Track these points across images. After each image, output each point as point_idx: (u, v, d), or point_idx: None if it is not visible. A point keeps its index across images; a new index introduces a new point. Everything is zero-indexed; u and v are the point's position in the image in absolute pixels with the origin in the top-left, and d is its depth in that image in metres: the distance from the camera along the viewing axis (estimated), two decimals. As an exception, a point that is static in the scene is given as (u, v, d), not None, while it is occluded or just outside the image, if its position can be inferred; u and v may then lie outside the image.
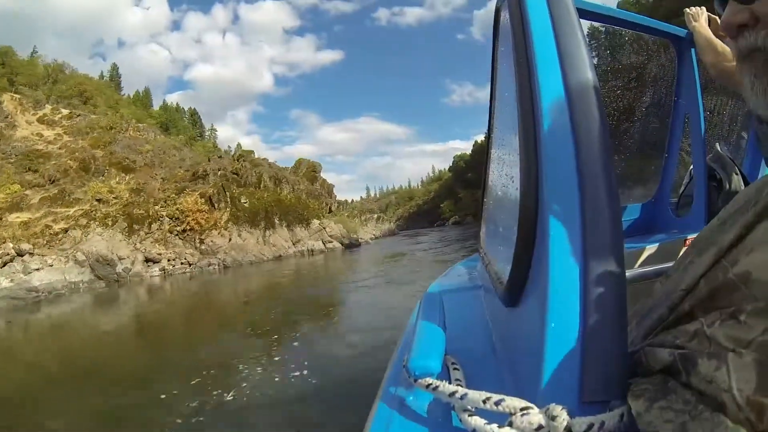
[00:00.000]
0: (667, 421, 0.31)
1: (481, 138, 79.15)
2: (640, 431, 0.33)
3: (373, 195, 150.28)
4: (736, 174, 1.43)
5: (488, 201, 1.28)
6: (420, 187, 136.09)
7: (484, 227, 1.32)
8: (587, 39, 0.55)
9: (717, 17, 1.12)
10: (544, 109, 0.50)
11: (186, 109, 61.90)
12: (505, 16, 0.79)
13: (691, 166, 1.52)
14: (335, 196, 43.15)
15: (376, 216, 63.00)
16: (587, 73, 0.50)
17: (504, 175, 0.81)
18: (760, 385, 0.26)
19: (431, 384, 0.48)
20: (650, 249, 1.25)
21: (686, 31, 1.47)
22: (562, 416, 0.34)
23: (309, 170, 40.55)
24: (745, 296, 0.30)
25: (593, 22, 1.36)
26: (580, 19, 0.57)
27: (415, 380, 0.51)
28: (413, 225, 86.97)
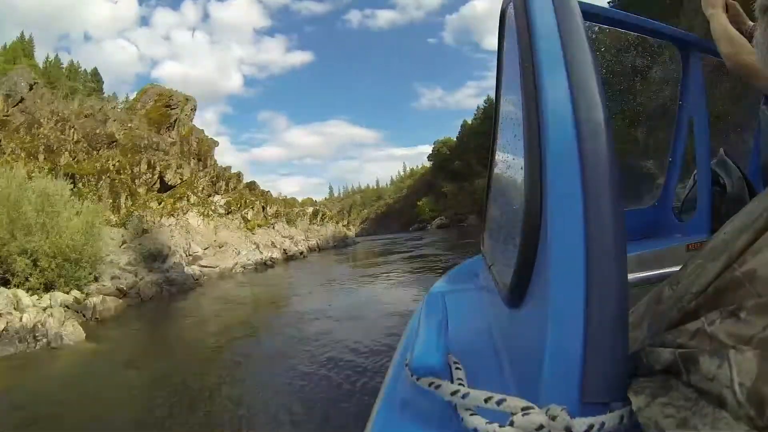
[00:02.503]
0: (668, 416, 0.31)
1: (469, 120, 68.13)
2: (641, 428, 0.33)
3: (336, 195, 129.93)
4: (740, 179, 1.42)
5: (491, 202, 1.28)
6: (390, 185, 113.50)
7: (487, 228, 1.32)
8: (592, 41, 0.55)
9: (736, 3, 1.05)
10: (548, 112, 0.50)
11: (86, 69, 41.69)
12: (510, 17, 0.80)
13: (695, 171, 1.52)
14: (216, 163, 26.17)
15: (311, 211, 36.88)
16: (592, 76, 0.50)
17: (508, 177, 0.81)
18: (760, 376, 0.26)
19: (433, 383, 0.48)
20: (653, 253, 1.24)
21: (691, 34, 1.46)
22: (563, 416, 0.35)
23: (159, 104, 21.38)
24: (748, 293, 0.30)
25: (598, 25, 1.36)
26: (586, 22, 0.58)
27: (418, 379, 0.51)
28: (381, 229, 68.51)
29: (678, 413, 0.31)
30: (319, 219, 37.08)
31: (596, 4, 1.28)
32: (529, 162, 0.52)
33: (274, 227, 27.04)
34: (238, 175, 30.81)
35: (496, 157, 1.18)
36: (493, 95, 1.22)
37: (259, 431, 3.83)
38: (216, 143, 28.05)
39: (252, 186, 32.27)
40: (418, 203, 69.34)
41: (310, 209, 39.01)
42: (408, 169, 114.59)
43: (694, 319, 0.35)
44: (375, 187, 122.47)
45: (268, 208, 29.84)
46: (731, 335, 0.29)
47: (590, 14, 1.24)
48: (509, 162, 0.80)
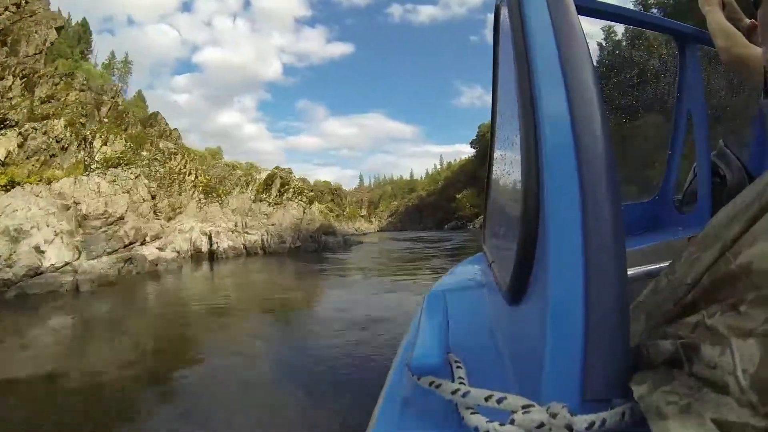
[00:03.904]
0: (670, 402, 0.31)
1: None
2: (642, 428, 0.33)
3: (367, 185, 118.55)
4: (740, 170, 1.42)
5: (491, 200, 1.28)
6: (424, 178, 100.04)
7: (488, 226, 1.32)
8: (586, 36, 0.55)
9: (732, 0, 1.10)
10: (544, 107, 0.50)
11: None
12: (504, 14, 0.79)
13: (695, 163, 1.51)
14: (41, 53, 14.22)
15: (262, 177, 22.46)
16: (587, 70, 0.50)
17: (506, 174, 0.81)
18: (763, 361, 0.26)
19: (434, 382, 0.48)
20: (654, 247, 1.24)
21: (688, 26, 1.46)
22: (564, 414, 0.34)
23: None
24: (746, 286, 0.29)
25: (593, 19, 1.35)
26: (580, 16, 0.57)
27: (418, 378, 0.51)
28: (411, 224, 60.98)
29: (681, 400, 0.31)
30: (274, 193, 20.45)
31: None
32: (526, 159, 0.51)
33: (46, 186, 12.46)
34: (71, 77, 15.63)
35: (495, 154, 1.18)
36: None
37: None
38: (60, 23, 14.46)
39: (151, 120, 18.65)
40: (457, 196, 58.03)
41: (263, 174, 22.24)
42: (445, 162, 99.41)
43: (693, 312, 0.35)
44: (408, 178, 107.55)
45: (96, 144, 14.18)
46: (731, 328, 0.29)
47: (585, 8, 1.23)
48: (507, 159, 0.80)
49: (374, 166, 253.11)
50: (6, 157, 12.68)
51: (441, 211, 62.39)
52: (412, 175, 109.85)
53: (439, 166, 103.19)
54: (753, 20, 1.04)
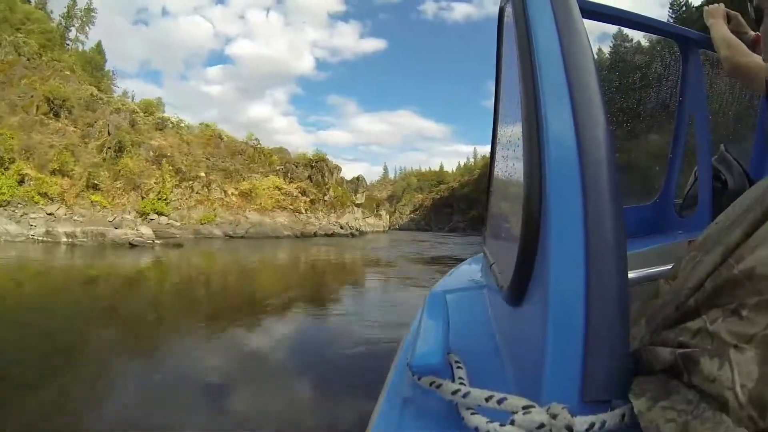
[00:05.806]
0: (669, 420, 0.31)
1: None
2: (641, 430, 0.33)
3: (391, 177, 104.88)
4: (741, 174, 1.42)
5: (492, 200, 1.28)
6: (455, 171, 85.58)
7: (489, 227, 1.32)
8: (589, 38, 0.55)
9: (738, 14, 1.15)
10: (546, 109, 0.50)
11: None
12: (508, 16, 0.80)
13: (696, 167, 1.52)
14: None
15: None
16: (590, 73, 0.50)
17: (508, 175, 0.81)
18: (761, 377, 0.26)
19: (434, 382, 0.48)
20: (654, 250, 1.24)
21: (691, 30, 1.46)
22: (564, 415, 0.34)
23: None
24: (748, 291, 0.29)
25: (597, 22, 1.35)
26: (584, 19, 0.58)
27: (419, 379, 0.51)
28: (438, 222, 53.30)
29: (679, 417, 0.31)
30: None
31: (596, 1, 1.28)
32: (528, 160, 0.52)
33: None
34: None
35: (497, 155, 1.18)
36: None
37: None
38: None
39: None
40: (499, 186, 46.43)
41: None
42: (480, 156, 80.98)
43: (695, 316, 0.35)
44: (437, 170, 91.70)
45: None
46: (733, 334, 0.29)
47: (589, 11, 1.23)
48: (509, 160, 0.80)
49: (404, 162, 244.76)
50: None
51: (477, 206, 48.58)
52: (441, 168, 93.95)
53: (472, 161, 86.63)
54: (757, 33, 1.08)
